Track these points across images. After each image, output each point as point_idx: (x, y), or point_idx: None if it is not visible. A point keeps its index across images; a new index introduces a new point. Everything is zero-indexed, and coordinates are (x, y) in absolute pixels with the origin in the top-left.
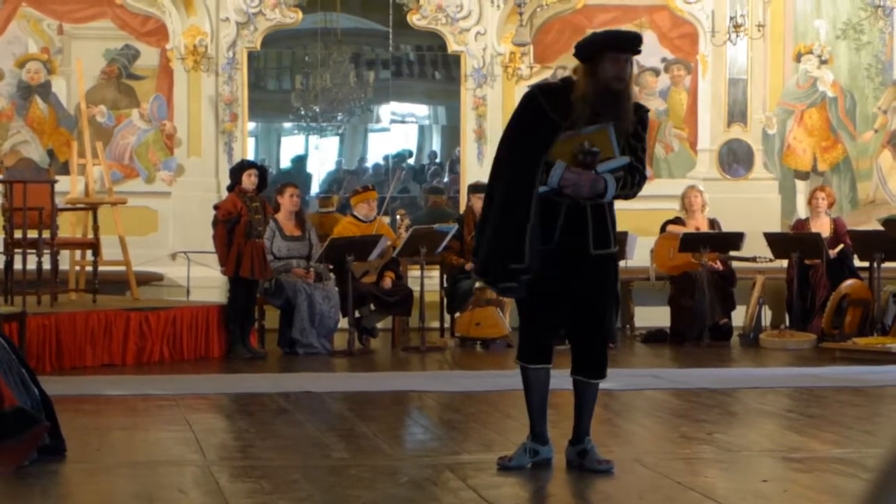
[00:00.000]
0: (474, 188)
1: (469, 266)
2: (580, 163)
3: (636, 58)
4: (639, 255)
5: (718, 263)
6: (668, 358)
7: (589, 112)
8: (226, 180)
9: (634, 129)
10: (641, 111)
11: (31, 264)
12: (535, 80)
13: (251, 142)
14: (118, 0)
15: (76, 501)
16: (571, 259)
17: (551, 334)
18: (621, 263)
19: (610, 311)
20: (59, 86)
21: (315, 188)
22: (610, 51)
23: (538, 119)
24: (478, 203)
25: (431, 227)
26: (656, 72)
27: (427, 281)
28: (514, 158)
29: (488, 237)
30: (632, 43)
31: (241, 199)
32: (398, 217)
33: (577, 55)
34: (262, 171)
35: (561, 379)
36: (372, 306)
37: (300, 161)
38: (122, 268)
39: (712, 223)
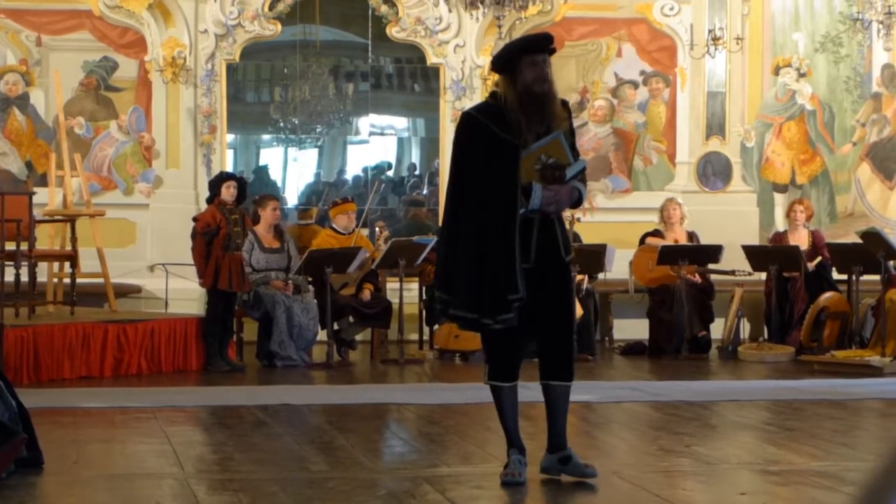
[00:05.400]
0: None
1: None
2: (549, 178)
3: (615, 71)
4: (617, 268)
5: (697, 276)
6: (646, 370)
7: (525, 122)
8: (204, 192)
9: (569, 126)
10: (566, 106)
11: (9, 276)
12: None
13: (230, 154)
14: (96, 12)
15: None
16: (544, 271)
17: (522, 351)
18: (600, 276)
19: (574, 312)
20: (38, 97)
21: (293, 200)
22: (525, 55)
23: (492, 142)
24: None
25: (410, 240)
26: (635, 84)
27: (406, 293)
28: (487, 186)
29: (473, 272)
30: (543, 42)
31: (220, 211)
32: (377, 229)
33: (493, 68)
34: (241, 184)
35: (529, 391)
36: (351, 318)
37: (263, 171)
38: (101, 280)
39: (691, 236)
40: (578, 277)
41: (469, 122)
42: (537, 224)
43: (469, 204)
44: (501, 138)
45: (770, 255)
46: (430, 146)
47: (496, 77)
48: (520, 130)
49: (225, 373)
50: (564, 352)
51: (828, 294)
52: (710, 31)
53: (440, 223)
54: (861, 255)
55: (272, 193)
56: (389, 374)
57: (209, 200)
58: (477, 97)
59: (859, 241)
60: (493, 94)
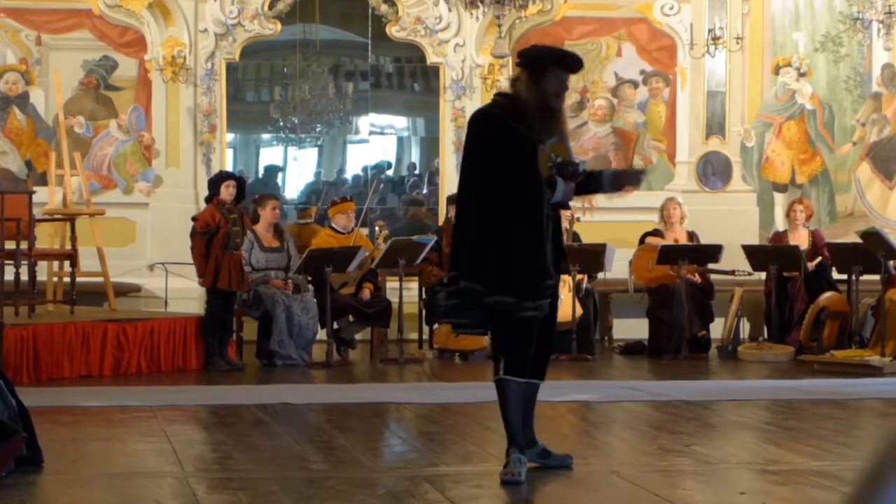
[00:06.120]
0: (453, 199)
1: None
2: (568, 174)
3: (615, 70)
4: (617, 267)
5: (697, 276)
6: (646, 370)
7: (540, 122)
8: (204, 191)
9: None
10: None
11: (9, 275)
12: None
13: (230, 153)
14: (96, 11)
15: None
16: (555, 267)
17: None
18: (600, 275)
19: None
20: (38, 96)
21: (294, 199)
22: (558, 67)
23: (514, 137)
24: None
25: (410, 239)
26: (635, 84)
27: (406, 292)
28: (513, 179)
29: (508, 260)
30: (577, 66)
31: (219, 210)
32: (377, 228)
33: (521, 62)
34: (240, 183)
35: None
36: (350, 318)
37: (272, 170)
38: (100, 279)
39: (691, 235)
40: (578, 277)
41: (490, 118)
42: (550, 220)
43: (496, 196)
44: (522, 134)
45: (770, 254)
46: (429, 145)
47: (514, 72)
48: (536, 128)
49: (224, 372)
50: (548, 351)
51: (827, 294)
52: (709, 31)
53: (440, 222)
54: (861, 255)
55: (272, 193)
56: (389, 374)
57: (208, 200)
58: (477, 96)
59: (859, 240)
60: (504, 95)
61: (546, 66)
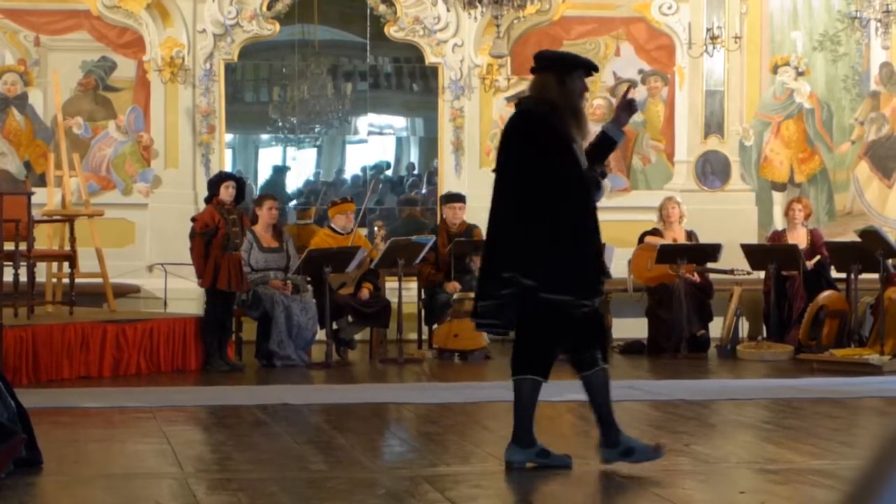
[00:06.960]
0: (446, 198)
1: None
2: (602, 175)
3: (613, 69)
4: (616, 267)
5: (696, 275)
6: (645, 369)
7: (571, 123)
8: (203, 192)
9: None
10: None
11: (8, 276)
12: (511, 93)
13: (229, 153)
14: (95, 12)
15: None
16: None
17: None
18: None
19: None
20: (36, 97)
21: (293, 199)
22: (582, 70)
23: (562, 138)
24: (449, 213)
25: (409, 239)
26: (634, 83)
27: (405, 292)
28: (566, 177)
29: (569, 256)
30: (594, 69)
31: (218, 211)
32: (376, 228)
33: (544, 64)
34: (239, 184)
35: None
36: (349, 318)
37: (282, 171)
38: (99, 280)
39: (690, 235)
40: None
41: (538, 118)
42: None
43: (550, 193)
44: (566, 135)
45: (769, 253)
46: (428, 146)
47: (537, 77)
48: (572, 130)
49: (224, 372)
50: (555, 353)
51: (826, 292)
52: (708, 30)
53: (442, 220)
54: (860, 254)
55: (273, 193)
56: (388, 374)
57: (207, 200)
58: (475, 96)
59: (858, 239)
60: (530, 99)
61: (571, 66)
